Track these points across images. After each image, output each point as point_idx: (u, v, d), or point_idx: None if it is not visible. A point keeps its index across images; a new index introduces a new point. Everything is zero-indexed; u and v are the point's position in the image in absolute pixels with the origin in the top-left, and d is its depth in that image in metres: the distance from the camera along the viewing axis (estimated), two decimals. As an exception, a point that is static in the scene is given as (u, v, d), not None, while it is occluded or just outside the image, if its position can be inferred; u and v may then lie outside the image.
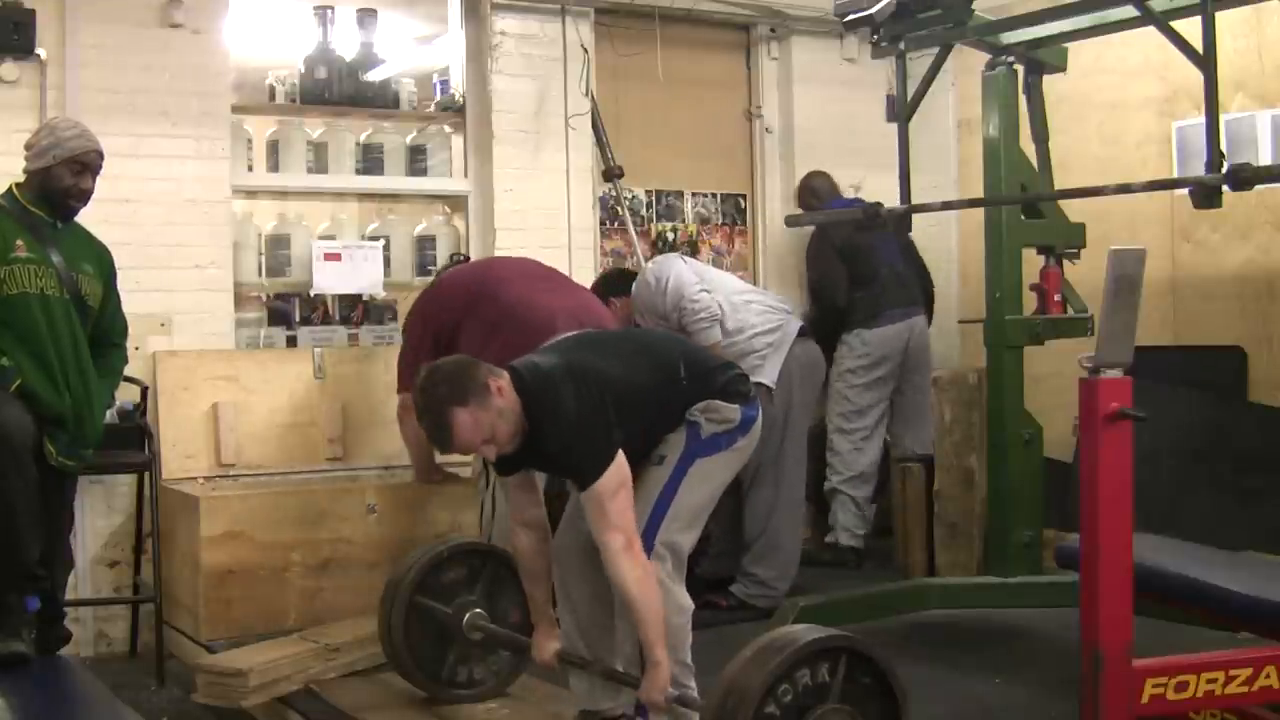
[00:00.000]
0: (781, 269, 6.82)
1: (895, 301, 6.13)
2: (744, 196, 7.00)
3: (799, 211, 6.35)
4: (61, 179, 4.00)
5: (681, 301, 5.03)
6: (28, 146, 4.05)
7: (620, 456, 3.13)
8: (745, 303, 5.16)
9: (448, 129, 6.21)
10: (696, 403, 3.32)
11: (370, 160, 6.03)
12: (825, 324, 6.04)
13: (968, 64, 6.07)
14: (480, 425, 3.09)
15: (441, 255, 6.00)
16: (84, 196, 4.08)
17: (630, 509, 3.13)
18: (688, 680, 3.31)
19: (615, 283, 5.32)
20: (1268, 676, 3.01)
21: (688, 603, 3.38)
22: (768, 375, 5.01)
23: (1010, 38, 4.93)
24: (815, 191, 6.49)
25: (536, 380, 3.17)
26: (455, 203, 6.19)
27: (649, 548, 3.24)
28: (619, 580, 3.07)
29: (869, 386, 6.04)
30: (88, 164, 4.04)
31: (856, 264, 6.14)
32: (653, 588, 3.11)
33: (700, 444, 3.31)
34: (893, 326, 6.07)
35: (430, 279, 5.59)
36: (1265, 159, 5.48)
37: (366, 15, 6.24)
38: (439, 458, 4.77)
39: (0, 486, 3.73)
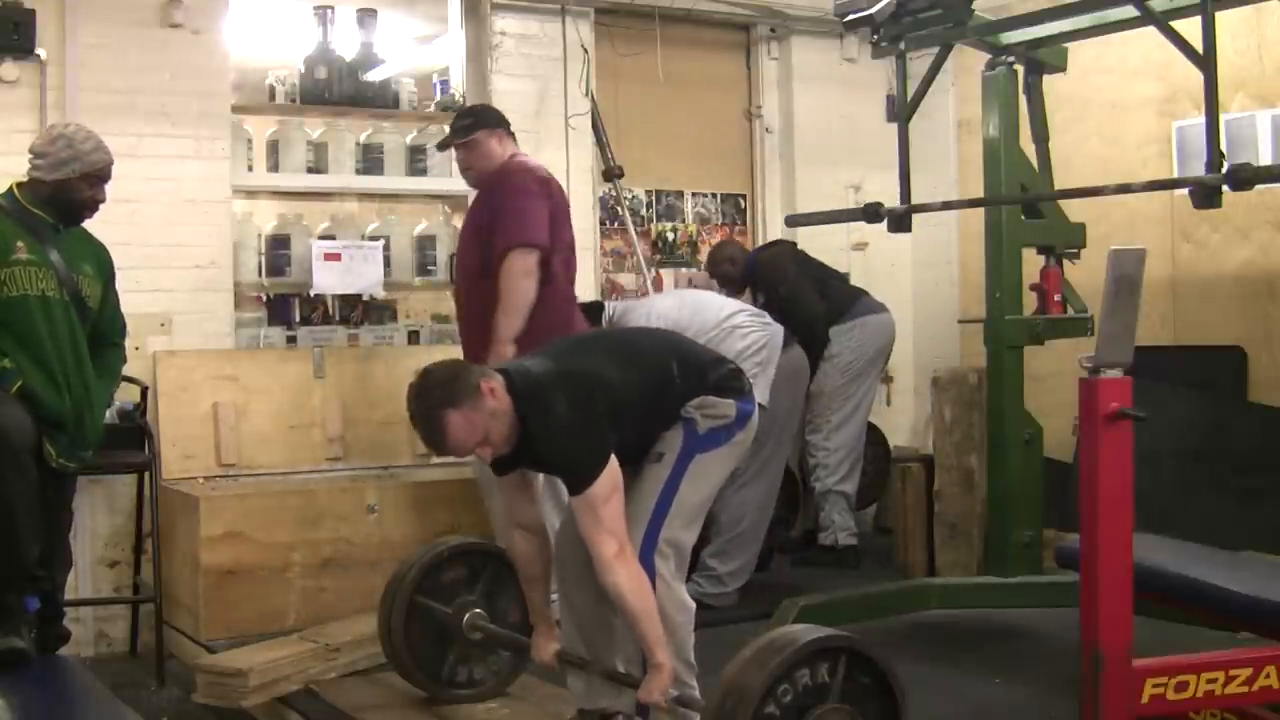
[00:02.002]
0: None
1: (859, 293, 6.14)
2: (744, 196, 7.01)
3: (799, 212, 6.35)
4: (80, 192, 4.01)
5: None
6: (40, 154, 4.01)
7: (613, 461, 3.11)
8: (731, 329, 4.93)
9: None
10: (691, 399, 3.32)
11: (370, 160, 6.03)
12: (809, 336, 5.85)
13: (968, 64, 6.08)
14: (474, 427, 3.08)
15: (441, 255, 6.01)
16: (97, 207, 4.10)
17: (622, 515, 3.12)
18: (690, 679, 3.31)
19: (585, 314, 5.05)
20: (1268, 676, 3.01)
21: (689, 601, 3.38)
22: (760, 395, 4.95)
23: (1010, 38, 4.93)
24: (731, 257, 6.17)
25: (527, 385, 3.16)
26: (455, 203, 6.18)
27: (652, 546, 3.24)
28: (613, 587, 3.07)
29: (860, 378, 5.98)
30: (103, 177, 4.05)
31: (825, 269, 6.15)
32: (647, 592, 3.11)
33: (698, 440, 3.30)
34: (886, 315, 6.05)
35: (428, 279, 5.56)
36: (1265, 159, 5.48)
37: (366, 15, 6.24)
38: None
39: (0, 486, 3.73)
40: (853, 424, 5.98)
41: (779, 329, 5.13)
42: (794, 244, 6.27)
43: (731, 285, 6.04)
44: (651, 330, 4.31)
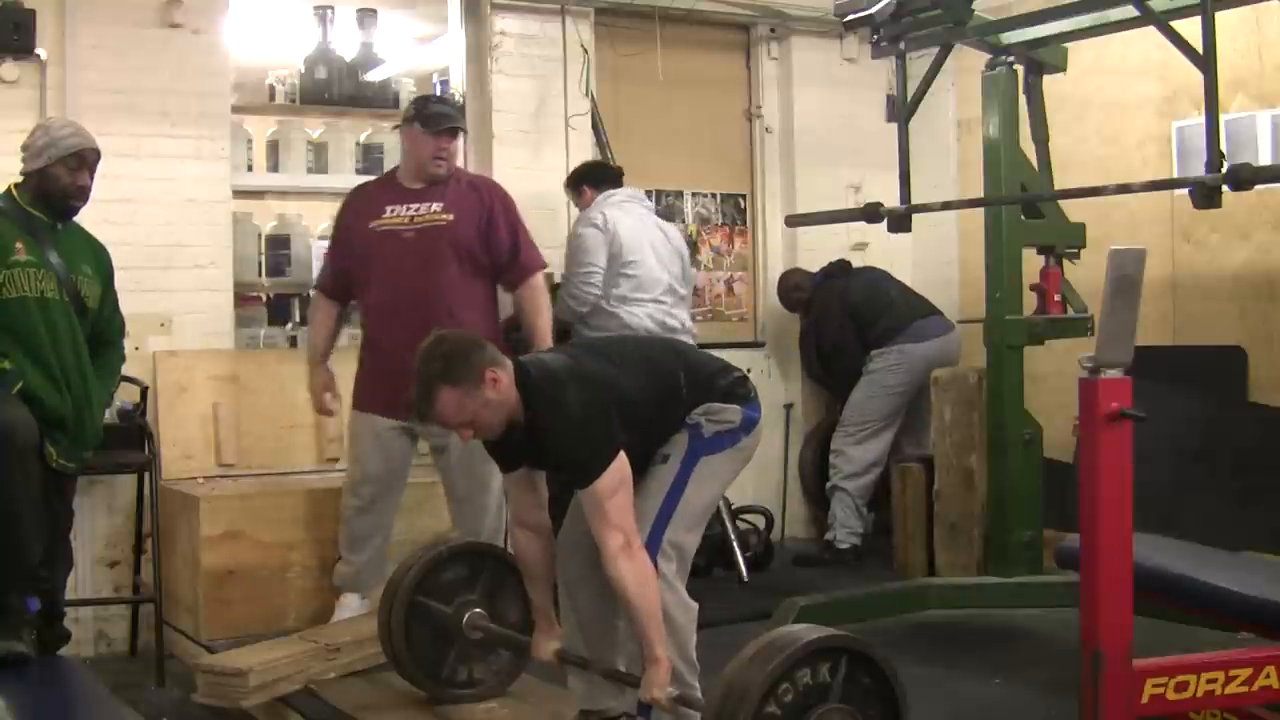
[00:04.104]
0: (781, 269, 6.82)
1: (924, 310, 6.18)
2: (744, 196, 7.00)
3: (799, 212, 6.35)
4: (59, 178, 3.99)
5: (570, 266, 5.29)
6: (23, 148, 4.03)
7: (621, 456, 3.14)
8: (630, 312, 5.27)
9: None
10: (697, 407, 3.34)
11: (370, 160, 6.03)
12: (841, 383, 6.25)
13: (968, 64, 6.07)
14: (463, 409, 3.11)
15: (441, 255, 6.01)
16: (83, 194, 4.05)
17: (630, 509, 3.14)
18: (693, 679, 3.32)
19: (592, 174, 5.59)
20: (1268, 676, 3.01)
21: (692, 602, 3.38)
22: None
23: (1010, 38, 4.94)
24: (798, 285, 6.56)
25: (543, 377, 3.19)
26: (455, 203, 6.19)
27: (656, 547, 3.25)
28: (617, 580, 3.09)
29: (896, 398, 6.04)
30: (84, 160, 4.02)
31: (873, 301, 6.21)
32: (651, 587, 3.12)
33: (703, 443, 3.32)
34: (936, 341, 6.06)
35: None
36: (1265, 159, 5.47)
37: (366, 15, 6.25)
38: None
39: (5, 487, 3.72)
40: (871, 446, 6.04)
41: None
42: (846, 265, 6.52)
43: (800, 309, 6.56)
44: (661, 340, 4.35)
